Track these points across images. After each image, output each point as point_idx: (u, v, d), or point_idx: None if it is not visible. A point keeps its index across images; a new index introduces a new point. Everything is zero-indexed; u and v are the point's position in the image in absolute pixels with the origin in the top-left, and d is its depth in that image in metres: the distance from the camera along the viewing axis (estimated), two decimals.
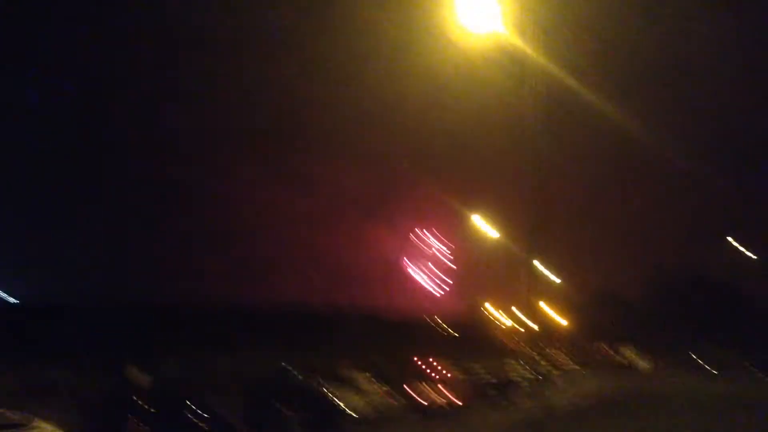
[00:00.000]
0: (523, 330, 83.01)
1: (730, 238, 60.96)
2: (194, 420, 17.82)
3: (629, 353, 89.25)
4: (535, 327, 16.47)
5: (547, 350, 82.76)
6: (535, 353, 17.10)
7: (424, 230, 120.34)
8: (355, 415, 25.18)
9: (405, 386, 29.81)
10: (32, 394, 20.09)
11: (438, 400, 28.34)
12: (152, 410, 16.67)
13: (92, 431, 16.36)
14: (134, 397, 17.40)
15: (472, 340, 68.35)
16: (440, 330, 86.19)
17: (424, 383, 28.79)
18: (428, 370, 29.27)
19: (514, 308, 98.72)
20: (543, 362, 47.86)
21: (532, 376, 23.68)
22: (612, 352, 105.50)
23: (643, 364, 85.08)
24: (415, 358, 32.97)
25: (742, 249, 61.00)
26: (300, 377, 28.40)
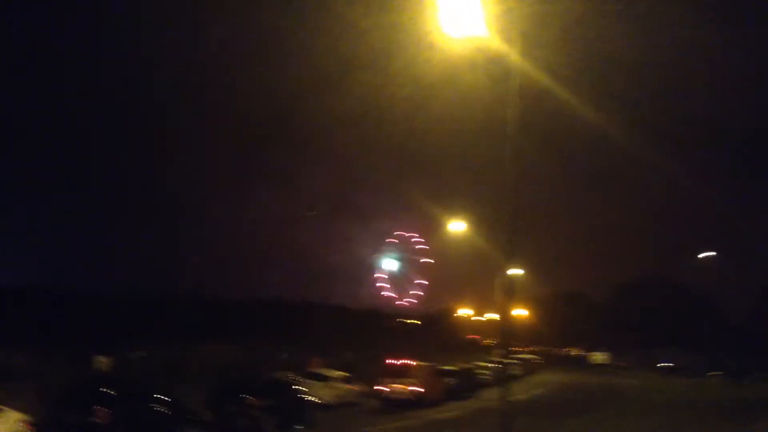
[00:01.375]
0: (493, 329, 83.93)
1: (710, 252, 61.94)
2: (159, 409, 17.70)
3: (595, 353, 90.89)
4: (506, 326, 16.50)
5: (516, 349, 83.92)
6: (504, 352, 17.24)
7: (402, 232, 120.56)
8: (323, 408, 25.25)
9: (375, 381, 29.95)
10: None
11: (406, 395, 28.53)
12: (118, 398, 16.51)
13: (58, 418, 16.18)
14: (100, 385, 17.23)
15: (443, 339, 69.20)
16: (412, 328, 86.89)
17: (393, 379, 28.95)
18: (399, 367, 29.43)
19: (484, 308, 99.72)
20: (511, 360, 48.44)
21: (500, 374, 23.91)
22: (579, 352, 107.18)
23: (608, 363, 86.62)
24: (386, 355, 33.08)
25: (713, 261, 62.07)
26: (270, 370, 28.43)
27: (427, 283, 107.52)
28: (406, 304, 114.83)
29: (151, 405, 17.79)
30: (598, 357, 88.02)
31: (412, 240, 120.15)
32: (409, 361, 29.94)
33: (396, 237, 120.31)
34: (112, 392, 16.78)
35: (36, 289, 45.97)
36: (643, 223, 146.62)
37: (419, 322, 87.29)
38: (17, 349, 23.89)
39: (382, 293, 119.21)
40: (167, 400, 18.16)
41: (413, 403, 28.61)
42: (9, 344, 24.52)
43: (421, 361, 31.93)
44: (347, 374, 30.19)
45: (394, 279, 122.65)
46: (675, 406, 32.05)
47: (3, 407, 14.61)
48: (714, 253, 62.56)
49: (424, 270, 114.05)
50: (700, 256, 62.58)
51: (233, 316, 48.34)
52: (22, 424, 14.52)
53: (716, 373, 65.76)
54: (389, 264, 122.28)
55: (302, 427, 21.66)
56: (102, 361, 24.31)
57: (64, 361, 22.28)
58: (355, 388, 29.64)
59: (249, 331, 41.09)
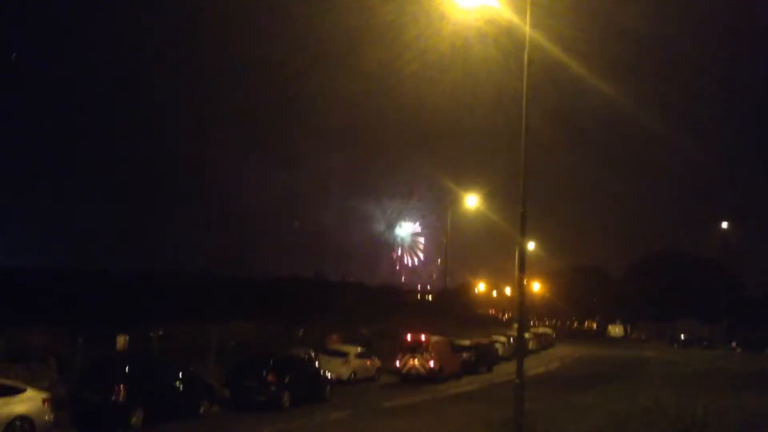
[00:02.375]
0: (510, 303, 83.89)
1: (723, 223, 61.42)
2: (179, 386, 17.95)
3: (612, 327, 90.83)
4: (522, 301, 16.59)
5: (532, 323, 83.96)
6: (519, 325, 17.39)
7: (416, 208, 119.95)
8: (340, 383, 25.45)
9: (392, 356, 30.11)
10: (18, 359, 20.17)
11: (423, 370, 28.71)
12: (137, 376, 16.77)
13: (79, 396, 16.44)
14: (120, 364, 17.47)
15: (460, 313, 69.23)
16: (428, 303, 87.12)
17: (411, 354, 29.10)
18: (415, 342, 29.55)
19: (500, 282, 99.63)
20: (527, 334, 48.52)
21: (516, 348, 24.02)
22: (595, 325, 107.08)
23: (625, 336, 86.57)
24: (403, 330, 33.21)
25: (731, 232, 61.61)
26: (287, 347, 28.66)
27: (442, 258, 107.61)
28: (423, 266, 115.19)
29: (171, 382, 18.06)
30: (615, 330, 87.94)
31: (426, 216, 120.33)
32: (425, 336, 30.04)
33: (410, 213, 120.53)
34: (132, 370, 17.02)
35: (55, 269, 46.58)
36: (660, 195, 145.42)
37: (437, 299, 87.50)
38: (38, 329, 24.17)
39: (398, 269, 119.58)
40: (186, 378, 18.42)
41: (430, 377, 28.78)
42: (30, 324, 24.83)
43: (438, 336, 32.04)
44: (364, 350, 30.36)
45: (409, 255, 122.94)
46: (691, 378, 31.98)
47: (25, 386, 14.85)
48: (732, 225, 62.08)
49: (439, 245, 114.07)
50: (719, 227, 62.13)
51: (251, 294, 48.66)
52: (43, 403, 14.76)
53: (735, 344, 65.51)
54: (404, 240, 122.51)
55: (320, 402, 21.89)
56: (121, 340, 24.56)
57: (84, 341, 22.49)
58: (372, 363, 29.82)
59: (266, 309, 41.33)
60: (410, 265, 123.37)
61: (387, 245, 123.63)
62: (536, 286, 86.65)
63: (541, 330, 67.30)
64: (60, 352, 21.84)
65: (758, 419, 17.48)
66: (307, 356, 25.86)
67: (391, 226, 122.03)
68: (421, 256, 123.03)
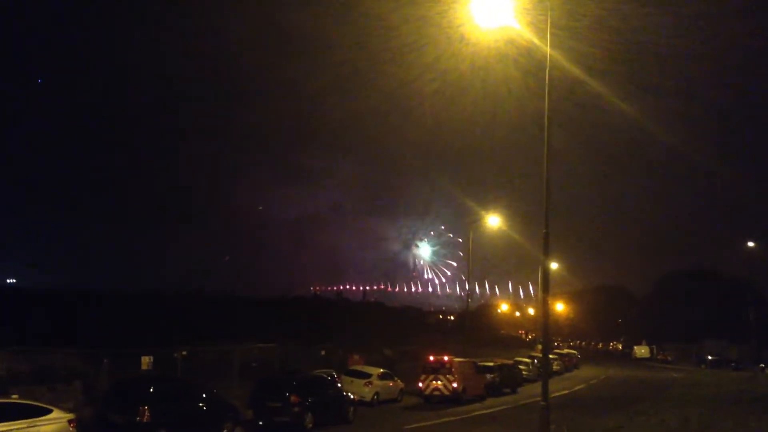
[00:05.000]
0: (533, 324, 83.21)
1: (749, 241, 60.51)
2: (202, 407, 17.96)
3: (637, 347, 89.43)
4: (546, 322, 16.50)
5: (556, 343, 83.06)
6: (543, 346, 17.22)
7: (435, 227, 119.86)
8: (363, 405, 25.31)
9: (415, 378, 29.93)
10: (44, 380, 20.36)
11: (447, 392, 28.49)
12: (161, 397, 16.80)
13: (104, 417, 16.52)
14: (144, 385, 17.54)
15: (483, 334, 68.81)
16: (452, 324, 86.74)
17: (433, 375, 28.92)
18: (438, 363, 29.35)
19: (523, 303, 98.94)
20: (551, 355, 48.02)
21: (540, 368, 23.76)
22: (620, 346, 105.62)
23: (651, 357, 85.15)
24: (426, 351, 33.03)
25: (758, 251, 60.62)
26: (310, 367, 28.61)
27: (464, 278, 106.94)
28: (447, 287, 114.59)
29: (194, 403, 18.08)
30: (641, 351, 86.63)
31: (446, 236, 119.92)
32: (448, 358, 29.83)
33: (429, 233, 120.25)
34: (156, 391, 17.08)
35: (81, 291, 47.10)
36: (684, 213, 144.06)
37: (460, 319, 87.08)
38: (64, 351, 24.42)
39: (419, 289, 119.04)
40: (210, 399, 18.44)
41: (454, 399, 28.54)
42: (56, 345, 25.11)
43: (461, 357, 31.78)
44: (387, 371, 30.20)
45: (429, 274, 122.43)
46: (719, 400, 31.35)
47: (51, 407, 14.98)
48: (758, 243, 61.14)
49: (460, 264, 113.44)
50: (745, 245, 61.19)
51: (273, 314, 48.79)
52: (69, 424, 14.87)
53: (764, 365, 64.14)
54: (424, 260, 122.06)
55: (343, 424, 21.77)
56: (146, 361, 24.68)
57: (109, 362, 22.66)
58: (395, 384, 29.64)
59: (288, 329, 41.40)
60: (432, 284, 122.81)
61: (407, 265, 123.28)
62: (560, 307, 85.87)
63: (565, 351, 66.54)
64: (85, 373, 22.01)
65: None
66: (329, 377, 25.76)
67: (410, 245, 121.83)
68: (444, 276, 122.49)
